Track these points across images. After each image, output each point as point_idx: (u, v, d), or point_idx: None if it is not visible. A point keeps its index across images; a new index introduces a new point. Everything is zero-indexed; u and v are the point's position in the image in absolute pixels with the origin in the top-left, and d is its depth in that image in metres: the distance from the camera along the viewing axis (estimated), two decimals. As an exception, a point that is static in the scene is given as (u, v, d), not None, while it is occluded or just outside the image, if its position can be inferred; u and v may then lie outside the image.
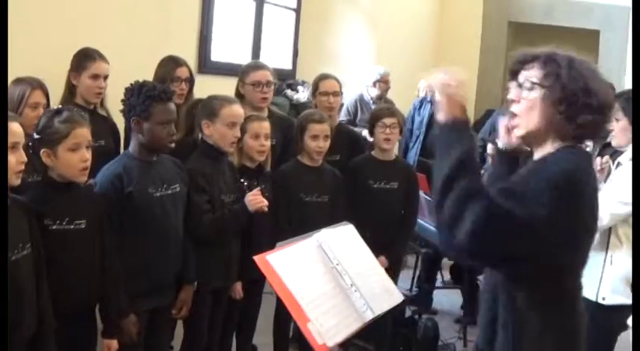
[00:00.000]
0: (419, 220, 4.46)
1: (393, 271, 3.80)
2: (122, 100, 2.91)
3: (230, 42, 5.90)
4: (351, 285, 2.28)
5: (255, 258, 2.11)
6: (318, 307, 2.12)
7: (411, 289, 5.46)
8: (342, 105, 6.26)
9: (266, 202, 3.15)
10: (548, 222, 1.69)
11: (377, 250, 3.59)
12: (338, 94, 4.14)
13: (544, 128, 1.87)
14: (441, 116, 1.82)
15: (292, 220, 3.53)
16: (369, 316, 2.26)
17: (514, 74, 1.94)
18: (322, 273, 2.26)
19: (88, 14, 3.96)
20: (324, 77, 4.21)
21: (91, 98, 3.42)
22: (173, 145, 2.93)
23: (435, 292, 5.37)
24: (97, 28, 3.97)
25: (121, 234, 2.75)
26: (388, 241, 3.76)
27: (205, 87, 4.50)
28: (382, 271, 2.58)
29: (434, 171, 1.80)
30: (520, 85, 1.90)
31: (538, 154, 1.93)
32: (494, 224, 1.68)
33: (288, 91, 6.38)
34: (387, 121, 3.85)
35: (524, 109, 1.89)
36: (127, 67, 3.67)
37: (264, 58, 6.27)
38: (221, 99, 3.26)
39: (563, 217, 1.72)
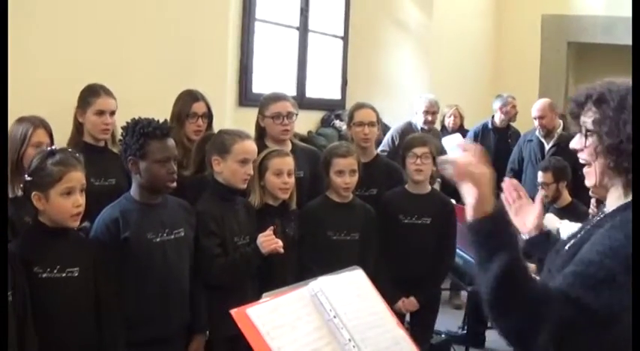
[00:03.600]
0: (465, 256, 4.16)
1: (428, 312, 3.61)
2: (119, 140, 2.76)
3: (273, 73, 5.78)
4: (350, 340, 2.01)
5: (233, 312, 1.87)
6: (305, 367, 1.86)
7: (463, 328, 5.13)
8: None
9: (280, 243, 2.94)
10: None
11: (407, 290, 3.48)
12: (374, 124, 3.89)
13: (603, 180, 1.70)
14: (470, 214, 1.62)
15: (319, 260, 3.29)
16: (371, 374, 1.99)
17: (576, 118, 1.75)
18: (315, 327, 1.99)
19: (102, 48, 3.82)
20: (359, 107, 3.98)
21: (98, 135, 3.29)
22: (174, 184, 2.77)
23: (489, 331, 5.00)
24: (114, 62, 3.82)
25: (118, 282, 2.61)
26: (419, 281, 3.55)
27: (246, 120, 4.37)
28: (393, 321, 2.29)
29: (481, 283, 1.61)
30: (582, 131, 1.73)
31: (610, 205, 1.72)
32: (580, 324, 1.52)
33: (337, 122, 6.28)
34: (418, 150, 3.60)
35: (588, 157, 1.72)
36: (148, 104, 3.56)
37: (310, 89, 6.18)
38: (232, 134, 3.09)
39: None
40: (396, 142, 5.59)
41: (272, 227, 2.99)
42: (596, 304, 1.51)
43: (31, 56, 3.45)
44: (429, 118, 5.84)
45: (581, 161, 1.76)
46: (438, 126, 6.57)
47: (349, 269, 2.28)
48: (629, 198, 1.67)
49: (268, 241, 2.91)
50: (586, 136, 1.71)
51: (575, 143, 1.76)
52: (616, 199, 1.72)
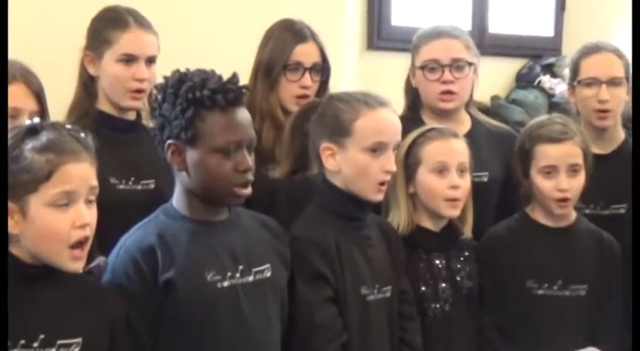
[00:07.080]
0: None
1: None
2: (152, 109, 2.83)
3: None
4: None
5: None
6: None
7: None
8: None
9: None
10: None
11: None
12: (620, 82, 3.85)
13: None
14: None
15: (514, 328, 3.44)
16: None
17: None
18: None
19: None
20: (590, 51, 3.94)
21: (124, 100, 3.28)
22: (249, 190, 2.76)
23: None
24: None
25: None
26: None
27: (379, 74, 4.47)
28: None
29: None
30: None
31: None
32: None
33: (546, 79, 6.33)
34: None
35: None
36: (213, 49, 3.65)
37: (495, 22, 6.25)
38: (353, 100, 3.07)
39: None
40: None
41: None
42: None
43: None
44: None
45: None
46: None
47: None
48: None
49: None
50: None
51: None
52: None
